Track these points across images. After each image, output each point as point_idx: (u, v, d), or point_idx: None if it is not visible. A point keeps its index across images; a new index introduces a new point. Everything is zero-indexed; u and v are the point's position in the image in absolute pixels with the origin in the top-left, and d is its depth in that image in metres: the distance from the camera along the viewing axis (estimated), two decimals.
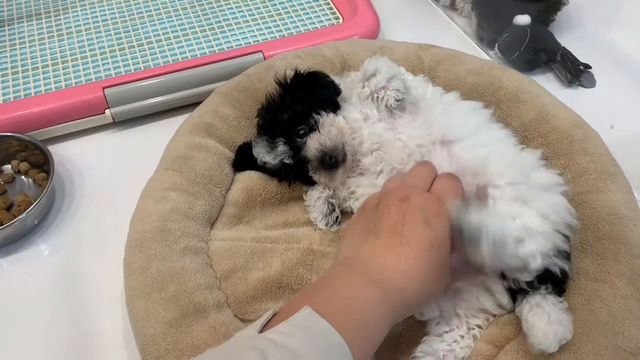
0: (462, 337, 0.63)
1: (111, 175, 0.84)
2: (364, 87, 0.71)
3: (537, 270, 0.58)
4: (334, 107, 0.72)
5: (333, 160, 0.68)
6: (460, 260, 0.62)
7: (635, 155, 0.82)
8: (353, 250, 0.55)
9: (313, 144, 0.69)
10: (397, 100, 0.68)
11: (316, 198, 0.73)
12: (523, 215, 0.60)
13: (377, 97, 0.69)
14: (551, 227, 0.61)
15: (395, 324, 0.51)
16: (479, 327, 0.63)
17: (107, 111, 0.87)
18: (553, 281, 0.60)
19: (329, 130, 0.69)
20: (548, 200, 0.63)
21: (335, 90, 0.74)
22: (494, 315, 0.64)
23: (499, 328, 0.63)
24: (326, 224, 0.71)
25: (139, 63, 0.94)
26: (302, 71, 0.75)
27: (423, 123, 0.69)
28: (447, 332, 0.63)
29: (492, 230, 0.54)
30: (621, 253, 0.63)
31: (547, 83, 0.94)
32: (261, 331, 0.44)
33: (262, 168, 0.74)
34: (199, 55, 0.94)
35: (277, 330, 0.43)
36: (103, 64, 0.94)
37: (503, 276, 0.61)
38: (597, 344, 0.57)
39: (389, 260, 0.51)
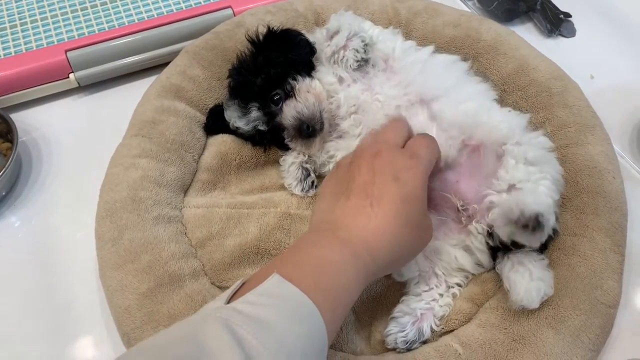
0: (441, 295, 0.63)
1: (79, 142, 0.81)
2: (328, 46, 0.68)
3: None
4: (309, 69, 0.70)
5: (310, 130, 0.66)
6: (439, 220, 0.61)
7: (614, 105, 0.81)
8: (325, 213, 0.54)
9: (289, 112, 0.66)
10: (357, 61, 0.66)
11: (290, 164, 0.71)
12: (542, 181, 0.58)
13: (338, 58, 0.67)
14: (558, 193, 0.60)
15: (369, 284, 0.50)
16: (459, 285, 0.64)
17: (71, 75, 0.83)
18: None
19: (305, 97, 0.66)
20: (554, 165, 0.62)
21: (310, 50, 0.71)
22: (473, 274, 0.64)
23: (478, 286, 0.63)
24: (302, 190, 0.70)
25: (102, 23, 0.89)
26: (274, 28, 0.71)
27: (400, 82, 0.66)
28: (426, 291, 0.63)
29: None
30: (600, 206, 0.63)
31: (527, 33, 0.92)
32: (229, 302, 0.43)
33: (235, 132, 0.72)
34: (165, 13, 0.89)
35: (243, 300, 0.42)
36: (65, 25, 0.89)
37: (489, 234, 0.61)
38: (576, 298, 0.58)
39: (359, 221, 0.50)
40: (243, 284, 0.46)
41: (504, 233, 0.57)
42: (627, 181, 0.68)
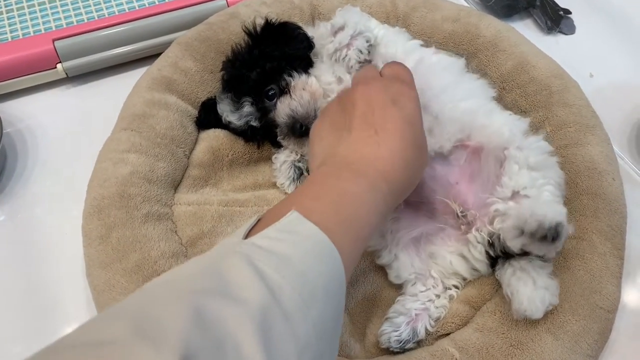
0: (438, 296, 0.62)
1: (67, 135, 0.79)
2: (331, 42, 0.66)
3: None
4: (306, 65, 0.68)
5: (304, 129, 0.64)
6: (437, 227, 0.60)
7: (613, 104, 0.80)
8: (329, 150, 0.52)
9: (283, 109, 0.65)
10: (359, 62, 0.64)
11: (282, 162, 0.69)
12: (546, 187, 0.57)
13: (340, 56, 0.65)
14: (562, 198, 0.59)
15: (386, 214, 0.49)
16: (455, 287, 0.63)
17: (58, 65, 0.81)
18: None
19: (300, 95, 0.64)
20: (556, 170, 0.61)
21: (308, 45, 0.69)
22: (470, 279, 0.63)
23: (476, 289, 0.62)
24: (295, 189, 0.68)
25: (92, 12, 0.86)
26: (272, 21, 0.69)
27: None
28: (422, 291, 0.62)
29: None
30: (599, 209, 0.62)
31: (526, 30, 0.90)
32: (246, 237, 0.41)
33: (228, 127, 0.70)
34: (157, 3, 0.87)
35: (263, 235, 0.41)
36: (53, 14, 0.86)
37: (490, 244, 0.59)
38: (575, 302, 0.57)
39: (369, 151, 0.49)
40: (259, 220, 0.44)
41: (515, 245, 0.55)
42: (626, 183, 0.66)
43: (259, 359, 0.32)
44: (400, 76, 0.55)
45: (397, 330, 0.59)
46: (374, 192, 0.47)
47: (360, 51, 0.64)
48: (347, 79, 0.65)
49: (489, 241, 0.59)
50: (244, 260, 0.37)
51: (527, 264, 0.56)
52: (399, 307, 0.61)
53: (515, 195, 0.56)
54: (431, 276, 0.62)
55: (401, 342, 0.59)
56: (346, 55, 0.64)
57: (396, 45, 0.68)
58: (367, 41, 0.64)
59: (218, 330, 0.32)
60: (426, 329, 0.60)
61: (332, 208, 0.44)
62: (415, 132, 0.52)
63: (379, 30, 0.68)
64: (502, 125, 0.60)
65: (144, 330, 0.31)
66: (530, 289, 0.55)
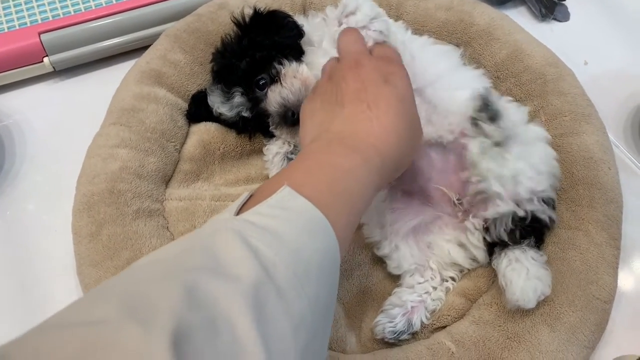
0: (435, 288, 0.61)
1: (55, 130, 0.77)
2: (340, 25, 0.63)
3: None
4: (297, 53, 0.67)
5: (296, 117, 0.63)
6: (435, 215, 0.59)
7: (608, 93, 0.79)
8: (322, 126, 0.51)
9: (274, 98, 0.63)
10: (379, 43, 0.62)
11: (274, 154, 0.68)
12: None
13: None
14: (542, 174, 0.58)
15: (379, 189, 0.49)
16: (452, 279, 0.62)
17: (45, 59, 0.79)
18: (538, 231, 0.58)
19: (291, 82, 0.63)
20: (539, 151, 0.60)
21: (298, 33, 0.68)
22: (468, 269, 0.62)
23: (472, 281, 0.62)
24: None
25: (78, 4, 0.85)
26: (261, 10, 0.68)
27: None
28: (420, 283, 0.61)
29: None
30: (595, 199, 0.62)
31: (520, 17, 0.89)
32: (237, 214, 0.40)
33: (219, 119, 0.69)
34: None
35: (255, 211, 0.40)
36: (38, 6, 0.85)
37: (486, 229, 0.59)
38: (571, 294, 0.57)
39: (362, 127, 0.49)
40: (250, 196, 0.43)
41: None
42: (621, 172, 0.66)
43: (253, 336, 0.32)
44: (391, 56, 0.55)
45: (392, 322, 0.59)
46: (368, 167, 0.46)
47: (382, 32, 0.62)
48: None
49: (485, 227, 0.58)
50: (237, 236, 0.37)
51: (521, 254, 0.57)
52: (395, 299, 0.61)
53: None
54: (429, 267, 0.61)
55: (396, 333, 0.58)
56: (366, 36, 0.61)
57: (404, 34, 0.67)
58: (387, 24, 0.63)
59: (210, 308, 0.32)
60: (422, 322, 0.60)
61: (325, 183, 0.44)
62: (408, 110, 0.51)
63: (387, 18, 0.67)
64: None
65: (133, 309, 0.31)
66: (523, 279, 0.55)
